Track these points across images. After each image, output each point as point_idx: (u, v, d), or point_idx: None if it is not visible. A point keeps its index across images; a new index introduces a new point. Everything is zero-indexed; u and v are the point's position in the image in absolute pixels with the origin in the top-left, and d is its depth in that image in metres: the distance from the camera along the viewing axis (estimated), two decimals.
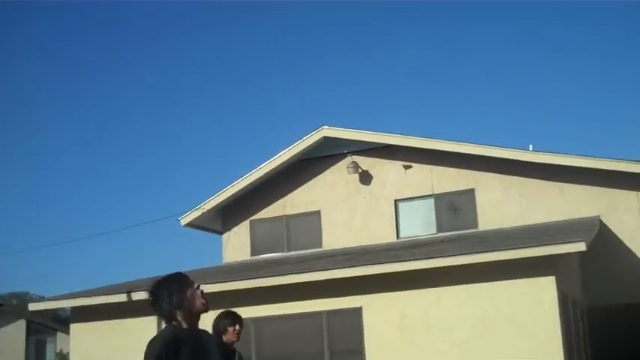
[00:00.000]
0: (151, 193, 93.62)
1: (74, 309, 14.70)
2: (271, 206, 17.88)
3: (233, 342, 6.66)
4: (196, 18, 74.71)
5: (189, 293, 4.21)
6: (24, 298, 47.05)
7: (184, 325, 4.17)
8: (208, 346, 4.32)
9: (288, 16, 73.72)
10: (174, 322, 4.15)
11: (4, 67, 73.58)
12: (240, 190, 17.93)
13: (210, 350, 4.33)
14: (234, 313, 6.89)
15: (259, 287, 13.32)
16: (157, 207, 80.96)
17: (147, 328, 13.79)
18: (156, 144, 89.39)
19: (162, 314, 4.19)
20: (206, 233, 19.50)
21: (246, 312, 13.32)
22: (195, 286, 4.35)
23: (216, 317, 6.96)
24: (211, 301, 12.59)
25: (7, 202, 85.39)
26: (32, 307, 16.61)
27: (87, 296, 14.35)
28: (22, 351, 28.93)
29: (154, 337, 4.12)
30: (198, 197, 21.69)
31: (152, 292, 4.25)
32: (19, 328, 29.05)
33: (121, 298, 13.61)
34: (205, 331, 4.42)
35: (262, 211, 17.98)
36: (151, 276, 17.02)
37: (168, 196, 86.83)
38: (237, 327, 6.68)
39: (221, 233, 18.54)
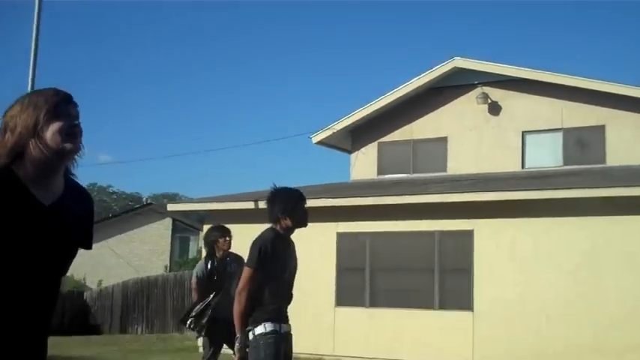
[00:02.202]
0: (288, 110, 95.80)
1: (209, 212, 16.19)
2: (399, 130, 18.49)
3: (224, 251, 7.89)
4: None
5: (297, 209, 5.16)
6: (173, 199, 50.19)
7: (281, 232, 5.10)
8: (292, 252, 5.26)
9: None
10: (275, 226, 5.11)
11: None
12: (370, 113, 18.60)
13: (293, 255, 5.28)
14: (223, 226, 8.13)
15: (379, 204, 14.22)
16: (293, 124, 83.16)
17: None
18: (298, 65, 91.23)
19: (270, 216, 5.16)
20: (335, 152, 20.47)
21: (364, 227, 14.42)
22: (304, 204, 5.31)
23: (207, 230, 8.30)
24: (336, 213, 13.84)
25: (165, 110, 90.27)
26: (170, 207, 18.31)
27: (219, 201, 15.75)
28: (168, 246, 31.47)
29: (259, 236, 5.12)
30: (330, 117, 22.59)
31: (271, 195, 5.24)
32: (166, 225, 31.47)
33: (249, 205, 14.86)
34: (291, 240, 5.33)
35: (390, 134, 18.64)
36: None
37: (303, 115, 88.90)
38: (227, 238, 7.93)
39: (350, 152, 19.39)
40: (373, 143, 18.91)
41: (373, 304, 14.39)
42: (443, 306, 13.67)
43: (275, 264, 4.99)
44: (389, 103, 18.41)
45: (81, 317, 24.83)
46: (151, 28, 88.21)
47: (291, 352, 5.21)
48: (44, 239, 2.33)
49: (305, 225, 5.21)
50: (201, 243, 15.67)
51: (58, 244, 2.37)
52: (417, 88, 18.05)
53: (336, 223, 14.95)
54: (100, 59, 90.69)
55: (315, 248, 14.99)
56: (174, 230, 31.03)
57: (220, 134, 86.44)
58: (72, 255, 2.48)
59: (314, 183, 20.16)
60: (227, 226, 8.29)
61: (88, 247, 2.59)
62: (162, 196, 53.09)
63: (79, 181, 2.56)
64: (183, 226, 31.68)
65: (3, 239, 2.24)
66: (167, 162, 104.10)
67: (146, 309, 24.13)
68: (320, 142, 19.67)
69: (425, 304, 13.79)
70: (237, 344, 4.97)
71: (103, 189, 61.55)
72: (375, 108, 18.56)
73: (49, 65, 76.52)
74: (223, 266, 7.81)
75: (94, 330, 24.08)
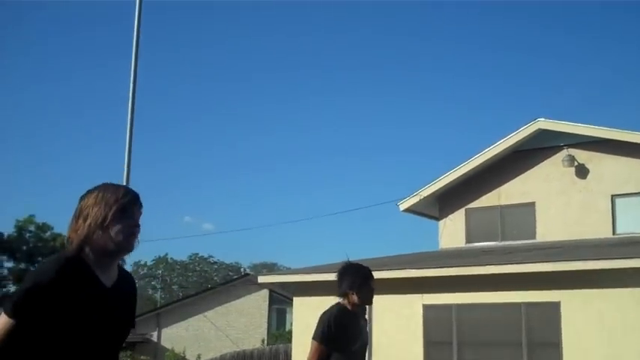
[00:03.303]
0: (371, 178, 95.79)
1: (296, 284, 16.23)
2: (486, 196, 18.17)
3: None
4: None
5: (365, 286, 5.23)
6: (272, 269, 50.64)
7: (349, 307, 5.15)
8: (362, 326, 5.31)
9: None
10: (343, 301, 5.17)
11: None
12: (456, 179, 18.40)
13: (363, 329, 5.32)
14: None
15: (463, 275, 13.93)
16: (378, 193, 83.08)
17: None
18: (384, 132, 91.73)
19: (339, 291, 5.25)
20: (423, 219, 20.27)
21: (450, 298, 14.12)
22: (372, 282, 5.37)
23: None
24: (422, 284, 13.55)
25: (268, 178, 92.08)
26: (261, 279, 18.54)
27: (305, 273, 15.79)
28: (265, 318, 31.63)
29: (326, 311, 5.24)
30: (416, 184, 22.47)
31: (341, 270, 5.33)
32: (263, 297, 31.70)
33: (331, 277, 14.81)
34: (364, 316, 5.40)
35: (477, 200, 18.33)
36: (365, 258, 18.20)
37: (387, 183, 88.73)
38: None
39: (438, 219, 19.16)
40: (460, 210, 18.63)
41: None
42: None
43: (341, 337, 5.06)
44: (475, 168, 18.18)
45: None
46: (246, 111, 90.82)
47: None
48: (108, 315, 2.69)
49: (370, 303, 5.31)
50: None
51: (116, 320, 2.74)
52: (502, 151, 17.77)
53: (422, 295, 14.70)
54: (204, 134, 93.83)
55: (401, 321, 14.77)
56: (271, 302, 31.18)
57: (314, 203, 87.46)
58: (125, 332, 2.84)
59: (403, 252, 20.01)
60: (313, 298, 7.98)
61: (133, 325, 2.97)
62: (262, 265, 53.70)
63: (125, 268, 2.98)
64: (280, 297, 31.84)
65: (76, 315, 2.57)
66: (265, 231, 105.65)
67: None
68: (407, 210, 19.54)
69: None
70: None
71: (204, 259, 62.80)
72: (461, 173, 18.36)
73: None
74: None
75: None
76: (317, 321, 5.18)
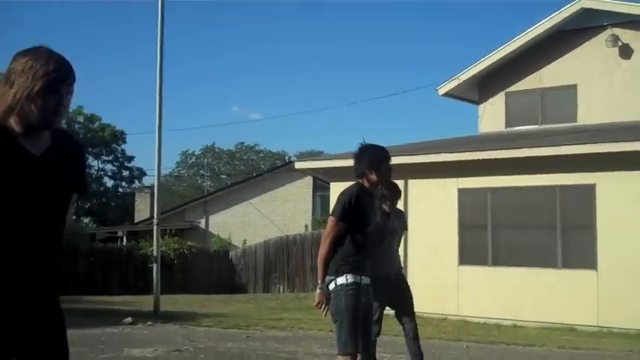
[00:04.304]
0: (412, 63, 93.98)
1: (332, 169, 16.31)
2: (526, 79, 17.77)
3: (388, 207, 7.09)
4: None
5: (383, 166, 5.30)
6: (317, 156, 50.97)
7: (367, 186, 5.21)
8: (376, 205, 5.40)
9: None
10: (361, 181, 5.24)
11: None
12: (496, 62, 17.98)
13: (376, 208, 5.50)
14: (394, 183, 7.42)
15: (496, 159, 13.84)
16: (417, 77, 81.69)
17: None
18: (422, 15, 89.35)
19: (357, 172, 5.34)
20: (462, 103, 20.01)
21: (485, 182, 14.10)
22: (389, 163, 5.44)
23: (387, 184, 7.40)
24: (457, 168, 13.50)
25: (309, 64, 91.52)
26: (298, 165, 18.72)
27: (341, 158, 15.84)
28: (309, 205, 32.11)
29: (345, 189, 5.38)
30: (455, 69, 22.04)
31: (358, 151, 5.39)
32: (307, 184, 32.06)
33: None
34: (399, 210, 5.47)
35: (517, 83, 17.95)
36: (404, 143, 18.15)
37: (426, 67, 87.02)
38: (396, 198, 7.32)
39: (477, 103, 18.89)
40: (500, 93, 18.31)
41: (496, 262, 14.10)
42: (566, 264, 13.18)
43: (358, 217, 5.15)
44: (515, 49, 17.71)
45: (227, 276, 26.05)
46: None
47: (371, 304, 5.44)
48: (37, 185, 2.62)
49: (388, 180, 5.53)
50: None
51: (50, 188, 2.67)
52: (544, 32, 17.22)
53: (457, 179, 14.71)
54: (250, 18, 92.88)
55: (436, 205, 14.86)
56: (314, 188, 31.53)
57: (355, 88, 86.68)
58: (66, 198, 2.78)
59: (442, 137, 19.89)
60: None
61: (83, 191, 2.93)
62: (308, 153, 53.97)
63: (67, 131, 2.93)
64: (324, 184, 32.14)
65: (4, 187, 2.55)
66: (310, 118, 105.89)
67: (286, 267, 24.90)
68: (446, 94, 19.29)
69: (547, 262, 13.35)
70: (317, 289, 5.19)
71: (250, 148, 63.43)
72: (501, 55, 17.92)
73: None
74: (385, 223, 7.38)
75: (239, 289, 25.18)
76: (336, 198, 5.30)
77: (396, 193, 6.97)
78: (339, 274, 5.10)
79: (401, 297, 7.01)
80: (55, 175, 2.69)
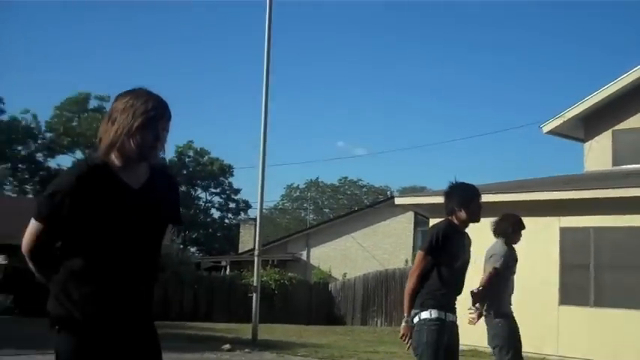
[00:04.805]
0: (515, 101, 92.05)
1: (431, 205, 16.33)
2: (635, 117, 17.31)
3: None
4: None
5: (473, 204, 5.40)
6: (420, 191, 50.77)
7: (456, 223, 5.36)
8: (466, 242, 5.45)
9: None
10: (450, 218, 5.37)
11: None
12: (602, 99, 17.62)
13: (467, 248, 5.45)
14: (519, 218, 7.57)
15: (599, 198, 13.55)
16: (520, 115, 80.00)
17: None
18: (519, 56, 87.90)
19: (447, 209, 5.46)
20: (566, 141, 19.65)
21: (588, 221, 13.80)
22: (479, 199, 5.53)
23: (503, 220, 7.40)
24: (559, 207, 13.32)
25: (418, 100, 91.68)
26: (397, 201, 18.83)
27: (437, 195, 15.81)
28: (410, 240, 32.00)
29: (435, 224, 5.56)
30: (559, 106, 21.67)
31: (449, 189, 5.52)
32: (409, 219, 32.00)
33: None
34: (467, 234, 5.54)
35: (625, 121, 17.51)
36: (506, 180, 17.95)
37: (529, 105, 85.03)
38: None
39: (583, 141, 18.50)
40: (607, 131, 17.88)
41: (598, 303, 13.72)
42: None
43: (446, 252, 5.25)
44: (622, 87, 17.31)
45: (326, 307, 26.26)
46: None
47: (457, 343, 5.38)
48: (135, 216, 2.85)
49: (478, 220, 5.46)
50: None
51: (147, 219, 2.91)
52: None
53: (559, 218, 14.45)
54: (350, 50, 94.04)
55: (537, 244, 14.60)
56: (416, 224, 31.44)
57: (461, 124, 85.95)
58: (162, 229, 3.04)
59: (546, 175, 19.55)
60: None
61: (177, 222, 3.19)
62: (411, 189, 53.85)
63: (164, 166, 3.16)
64: (425, 219, 31.99)
65: (102, 217, 2.79)
66: (414, 155, 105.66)
67: (385, 301, 24.89)
68: (551, 132, 19.02)
69: None
70: (403, 321, 5.30)
71: (353, 182, 63.87)
72: (608, 93, 17.55)
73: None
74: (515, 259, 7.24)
75: (338, 320, 25.35)
76: (427, 233, 5.51)
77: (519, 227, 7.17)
78: (424, 308, 5.18)
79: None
80: (151, 206, 2.91)
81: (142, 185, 2.92)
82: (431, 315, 5.15)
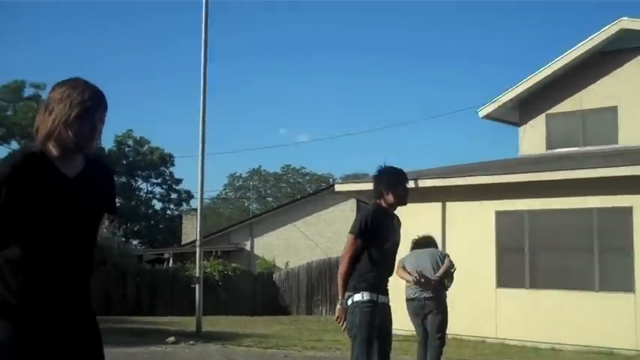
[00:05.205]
0: (450, 86, 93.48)
1: (371, 192, 16.49)
2: (568, 100, 17.74)
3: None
4: None
5: (400, 187, 5.51)
6: (363, 178, 51.06)
7: (384, 206, 5.47)
8: (395, 224, 5.63)
9: None
10: (379, 201, 5.46)
11: None
12: (536, 83, 18.01)
13: (396, 229, 5.63)
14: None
15: (533, 181, 13.89)
16: (456, 100, 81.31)
17: (432, 213, 15.26)
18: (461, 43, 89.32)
19: (375, 192, 5.57)
20: (502, 125, 20.05)
21: (522, 205, 14.14)
22: (406, 183, 5.65)
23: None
24: (494, 191, 13.56)
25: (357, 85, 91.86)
26: (338, 188, 18.99)
27: None
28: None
29: (363, 208, 5.53)
30: (495, 91, 22.08)
31: (377, 173, 5.63)
32: (351, 206, 32.20)
33: (409, 184, 15.03)
34: (396, 216, 5.66)
35: (558, 105, 17.94)
36: (442, 165, 18.25)
37: (465, 90, 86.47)
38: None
39: (518, 125, 18.90)
40: (541, 115, 18.31)
41: (533, 285, 14.10)
42: (603, 287, 13.12)
43: (375, 235, 5.36)
44: (555, 71, 17.74)
45: (271, 298, 26.31)
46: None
47: (389, 324, 5.51)
48: (70, 204, 2.88)
49: (405, 203, 5.60)
50: None
51: (82, 208, 2.93)
52: (584, 53, 17.21)
53: (494, 201, 14.77)
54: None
55: (474, 228, 14.92)
56: (358, 211, 31.62)
57: (398, 109, 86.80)
58: (97, 217, 3.06)
59: (483, 159, 19.92)
60: None
61: (113, 211, 3.20)
62: (353, 176, 54.11)
63: (100, 155, 3.23)
64: (367, 206, 32.23)
65: (38, 205, 2.80)
66: (354, 140, 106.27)
67: (329, 290, 25.03)
68: (487, 116, 19.37)
69: (585, 285, 13.31)
70: (338, 304, 5.45)
71: (296, 170, 63.94)
72: (542, 77, 17.96)
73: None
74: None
75: (282, 311, 25.38)
76: (355, 217, 5.59)
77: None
78: (356, 290, 5.30)
79: None
80: (87, 195, 2.94)
81: (78, 174, 2.94)
82: (363, 297, 5.27)
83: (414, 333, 8.62)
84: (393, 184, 5.51)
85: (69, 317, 2.91)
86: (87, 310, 3.01)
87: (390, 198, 5.47)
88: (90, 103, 2.85)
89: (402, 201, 5.57)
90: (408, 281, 8.31)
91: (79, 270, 2.96)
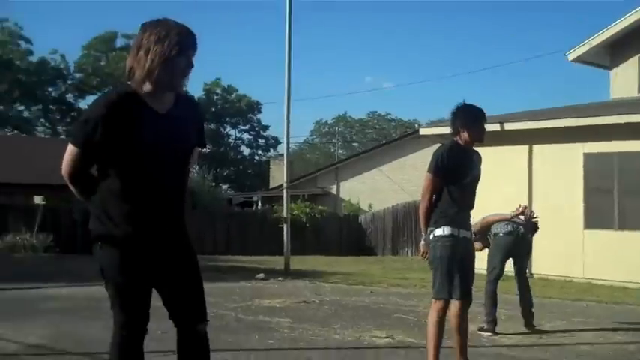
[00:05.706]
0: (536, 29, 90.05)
1: None
2: None
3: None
4: None
5: (476, 124, 5.56)
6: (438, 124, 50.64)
7: (460, 143, 5.55)
8: (475, 159, 5.65)
9: None
10: (455, 138, 5.56)
11: None
12: (629, 25, 17.48)
13: (475, 164, 5.65)
14: None
15: (622, 123, 13.69)
16: (544, 43, 78.41)
17: (518, 156, 15.24)
18: None
19: (452, 129, 5.62)
20: (593, 69, 19.58)
21: (611, 147, 13.98)
22: (483, 121, 5.66)
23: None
24: (584, 133, 13.44)
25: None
26: (422, 131, 19.06)
27: None
28: None
29: (439, 147, 5.65)
30: (585, 33, 21.46)
31: (454, 110, 5.67)
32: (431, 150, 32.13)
33: (495, 127, 14.92)
34: (476, 152, 5.71)
35: None
36: (530, 109, 18.06)
37: (553, 32, 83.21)
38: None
39: (609, 69, 18.45)
40: (633, 58, 17.79)
41: (622, 226, 14.00)
42: None
43: (452, 171, 5.38)
44: None
45: (357, 239, 26.78)
46: None
47: (472, 257, 5.59)
48: (164, 138, 3.08)
49: (481, 140, 5.59)
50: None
51: (175, 141, 3.16)
52: None
53: (583, 144, 14.62)
54: None
55: (562, 170, 14.84)
56: None
57: (485, 54, 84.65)
58: (188, 150, 3.27)
59: (571, 103, 19.57)
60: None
61: (202, 144, 3.40)
62: (438, 121, 53.73)
63: (188, 94, 3.41)
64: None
65: (135, 141, 3.01)
66: (441, 86, 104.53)
67: (414, 231, 25.26)
68: (576, 59, 18.92)
69: None
70: (422, 240, 5.55)
71: (382, 116, 63.86)
72: (635, 19, 17.39)
73: None
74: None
75: (369, 251, 25.84)
76: (432, 155, 5.53)
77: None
78: (437, 225, 5.37)
79: None
80: (178, 129, 3.15)
81: (169, 111, 3.11)
82: (444, 232, 5.34)
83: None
84: (469, 121, 5.48)
85: (168, 243, 3.19)
86: (183, 236, 3.28)
87: (466, 135, 5.45)
88: (186, 42, 3.03)
89: (478, 138, 5.55)
90: (503, 220, 7.98)
91: (174, 199, 3.21)
